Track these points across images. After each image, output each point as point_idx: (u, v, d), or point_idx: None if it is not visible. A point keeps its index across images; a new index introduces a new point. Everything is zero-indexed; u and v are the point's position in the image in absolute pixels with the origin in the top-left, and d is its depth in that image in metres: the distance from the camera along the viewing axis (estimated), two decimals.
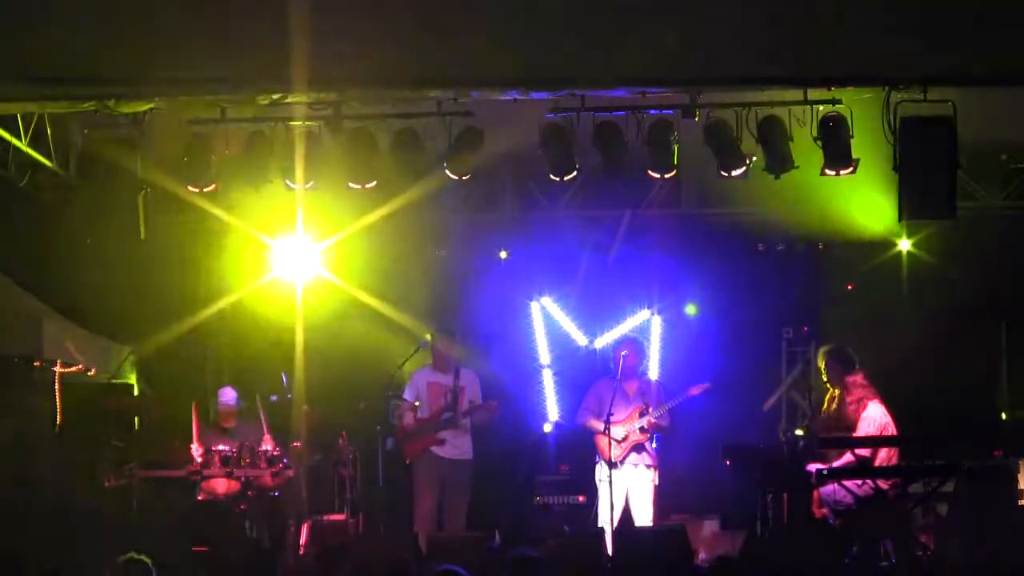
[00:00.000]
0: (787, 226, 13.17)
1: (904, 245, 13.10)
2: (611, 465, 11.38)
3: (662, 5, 9.32)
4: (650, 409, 11.60)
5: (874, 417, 11.17)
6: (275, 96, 9.82)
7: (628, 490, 11.62)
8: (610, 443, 11.33)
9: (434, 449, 11.79)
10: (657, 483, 11.70)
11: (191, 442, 11.54)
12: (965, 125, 9.94)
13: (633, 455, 11.62)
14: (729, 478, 11.93)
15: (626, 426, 11.54)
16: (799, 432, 11.45)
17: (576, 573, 9.59)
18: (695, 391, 11.64)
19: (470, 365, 12.11)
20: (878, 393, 11.30)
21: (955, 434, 10.98)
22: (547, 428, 13.21)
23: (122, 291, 12.21)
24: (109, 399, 11.88)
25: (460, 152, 10.55)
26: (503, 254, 13.40)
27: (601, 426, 11.44)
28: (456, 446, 11.82)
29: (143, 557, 6.93)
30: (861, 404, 11.27)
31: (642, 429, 11.57)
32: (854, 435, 11.14)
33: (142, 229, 10.55)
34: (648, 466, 11.67)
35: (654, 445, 11.80)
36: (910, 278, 13.10)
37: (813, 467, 11.08)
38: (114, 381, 11.97)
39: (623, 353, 11.70)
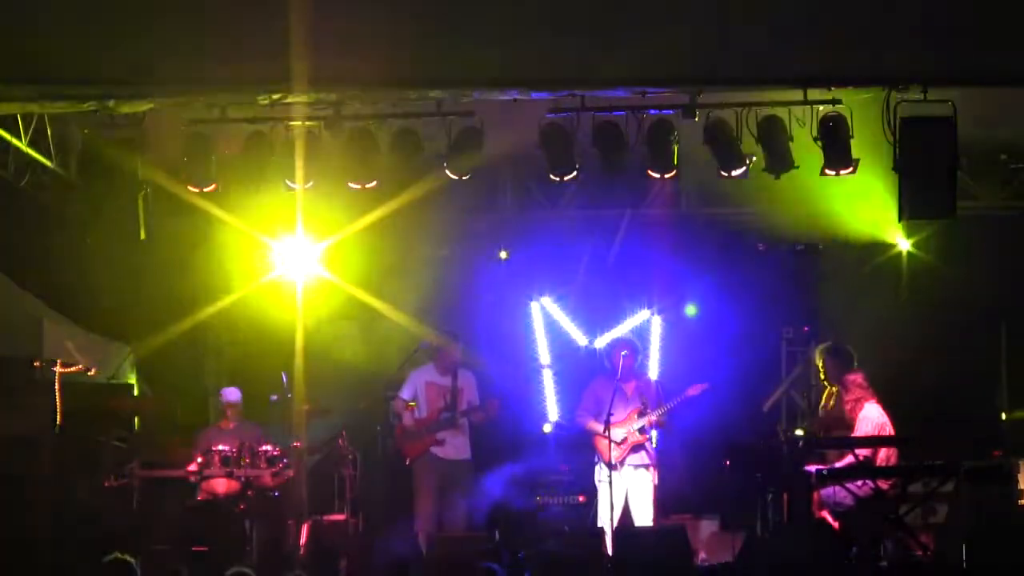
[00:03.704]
0: (787, 226, 13.16)
1: (904, 245, 13.09)
2: (611, 467, 11.37)
3: (662, 5, 9.31)
4: (649, 410, 11.59)
5: (871, 417, 11.17)
6: (275, 96, 9.81)
7: (628, 490, 11.61)
8: (609, 445, 11.32)
9: (433, 449, 11.81)
10: (657, 483, 11.69)
11: (191, 445, 11.59)
12: (965, 125, 9.93)
13: (632, 456, 11.62)
14: (729, 478, 11.92)
15: (625, 427, 11.53)
16: (799, 432, 11.45)
17: (576, 573, 9.59)
18: (694, 391, 11.62)
19: (470, 366, 12.12)
20: (875, 394, 11.31)
21: (955, 434, 10.95)
22: (547, 428, 13.19)
23: (121, 291, 12.21)
24: (109, 399, 11.87)
25: (460, 152, 10.54)
26: (503, 254, 13.38)
27: (600, 427, 11.42)
28: (455, 446, 11.84)
29: (127, 557, 6.92)
30: (858, 404, 11.28)
31: (641, 430, 11.56)
32: (852, 435, 11.15)
33: (142, 229, 10.54)
34: (648, 466, 11.66)
35: (654, 444, 11.79)
36: (910, 278, 13.09)
37: (813, 467, 11.10)
38: (114, 381, 11.96)
39: (623, 353, 11.70)
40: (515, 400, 12.60)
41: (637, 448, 11.62)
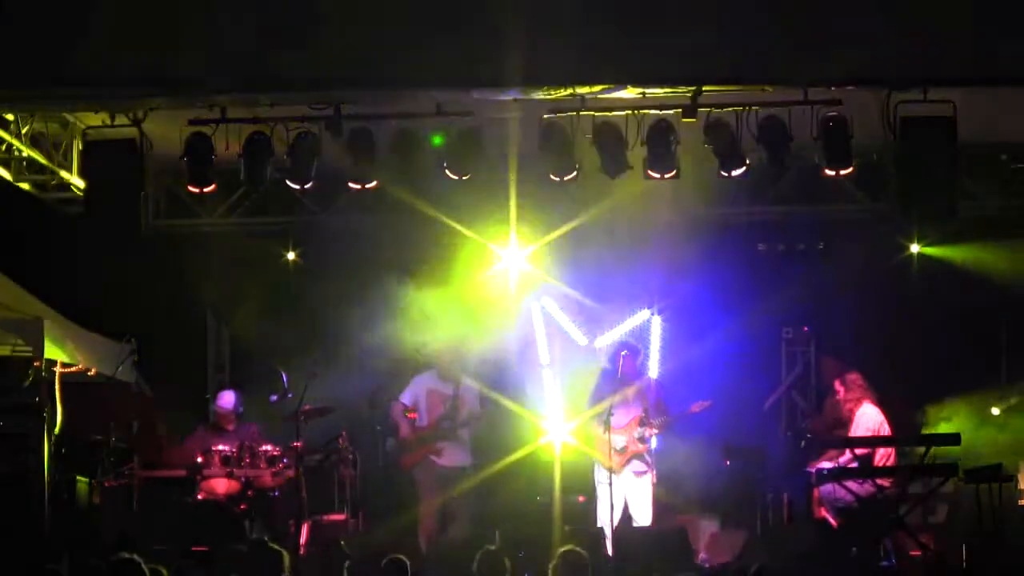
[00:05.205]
0: (787, 226, 13.16)
1: (904, 245, 13.10)
2: (609, 471, 11.32)
3: (663, 5, 9.31)
4: (649, 418, 11.55)
5: (869, 416, 11.21)
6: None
7: (627, 495, 11.57)
8: (610, 452, 11.26)
9: (432, 457, 11.77)
10: (655, 482, 11.67)
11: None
12: (965, 125, 9.93)
13: (631, 463, 11.58)
14: (729, 478, 11.92)
15: (626, 435, 11.49)
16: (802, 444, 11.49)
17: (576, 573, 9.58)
18: (697, 408, 11.57)
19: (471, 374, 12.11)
20: (874, 394, 11.33)
21: (954, 435, 10.97)
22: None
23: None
24: (109, 399, 11.86)
25: (460, 152, 10.53)
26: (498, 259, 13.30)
27: (601, 430, 11.36)
28: (453, 455, 11.78)
29: (135, 556, 6.92)
30: (858, 403, 11.32)
31: (641, 439, 11.53)
32: (849, 433, 11.19)
33: (142, 229, 10.55)
34: (645, 471, 11.63)
35: (654, 444, 11.77)
36: (910, 278, 13.09)
37: (813, 467, 11.12)
38: (114, 381, 11.95)
39: (623, 353, 11.69)
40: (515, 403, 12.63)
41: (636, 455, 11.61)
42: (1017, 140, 11.98)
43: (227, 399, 12.01)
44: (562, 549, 8.03)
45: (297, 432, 11.41)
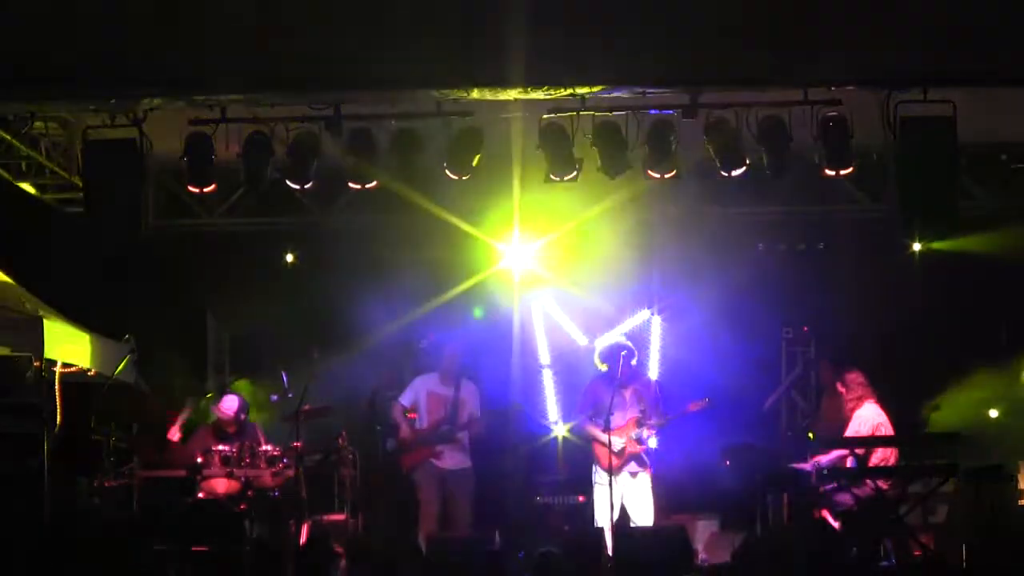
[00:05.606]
0: (787, 226, 13.16)
1: (904, 245, 13.10)
2: (609, 472, 11.32)
3: (663, 6, 9.31)
4: (646, 420, 11.53)
5: (867, 417, 11.19)
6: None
7: (624, 496, 11.55)
8: (609, 454, 11.25)
9: (432, 460, 11.76)
10: (652, 473, 11.65)
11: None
12: (965, 125, 9.93)
13: (628, 464, 11.57)
14: (729, 478, 11.92)
15: (623, 437, 11.47)
16: (810, 436, 11.48)
17: (576, 573, 9.59)
18: (694, 407, 11.55)
19: (472, 376, 12.10)
20: (875, 393, 11.33)
21: (954, 434, 10.97)
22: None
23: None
24: (109, 399, 11.85)
25: (460, 152, 10.53)
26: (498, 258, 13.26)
27: (598, 431, 11.34)
28: (454, 457, 11.77)
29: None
30: (859, 403, 11.31)
31: (638, 440, 11.52)
32: (846, 433, 11.19)
33: (142, 229, 10.55)
34: (640, 471, 11.61)
35: (652, 444, 11.75)
36: (911, 278, 13.10)
37: (811, 465, 11.11)
38: (114, 381, 11.95)
39: (623, 353, 11.67)
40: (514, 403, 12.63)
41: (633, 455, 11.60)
42: (1017, 140, 11.98)
43: (230, 404, 11.91)
44: (539, 551, 8.02)
45: (297, 432, 11.40)
